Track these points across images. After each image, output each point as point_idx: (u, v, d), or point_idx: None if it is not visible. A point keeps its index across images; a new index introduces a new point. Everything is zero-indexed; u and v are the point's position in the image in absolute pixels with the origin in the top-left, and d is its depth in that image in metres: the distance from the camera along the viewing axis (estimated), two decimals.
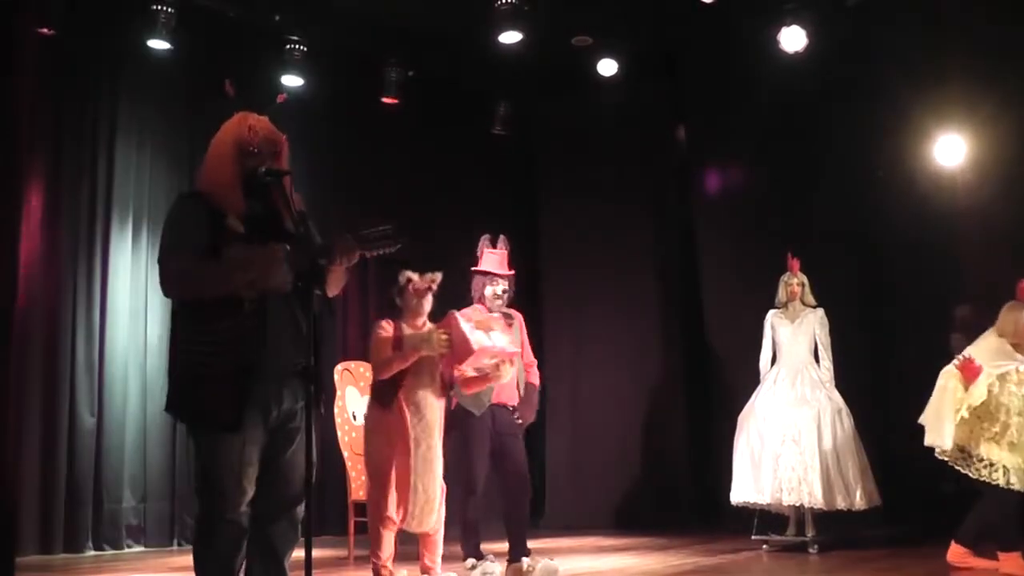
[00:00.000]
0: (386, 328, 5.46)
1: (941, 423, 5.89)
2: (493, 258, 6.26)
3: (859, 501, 7.11)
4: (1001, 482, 5.77)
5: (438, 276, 5.60)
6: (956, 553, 6.09)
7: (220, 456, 3.43)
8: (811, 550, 7.11)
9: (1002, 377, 5.85)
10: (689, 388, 9.69)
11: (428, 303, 5.57)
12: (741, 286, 8.97)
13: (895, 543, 7.10)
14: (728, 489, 7.59)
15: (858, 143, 8.50)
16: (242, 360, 3.40)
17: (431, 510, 5.42)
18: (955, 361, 5.98)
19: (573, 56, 9.47)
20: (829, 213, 8.71)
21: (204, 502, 3.50)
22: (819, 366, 7.48)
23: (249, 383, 3.42)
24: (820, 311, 7.58)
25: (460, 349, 5.29)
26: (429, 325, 5.52)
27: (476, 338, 5.29)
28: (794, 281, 7.63)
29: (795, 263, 7.67)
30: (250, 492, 3.47)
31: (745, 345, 8.02)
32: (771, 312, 7.71)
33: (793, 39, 8.28)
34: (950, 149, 7.82)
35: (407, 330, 5.47)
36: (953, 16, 7.89)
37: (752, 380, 7.73)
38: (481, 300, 6.21)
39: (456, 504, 6.02)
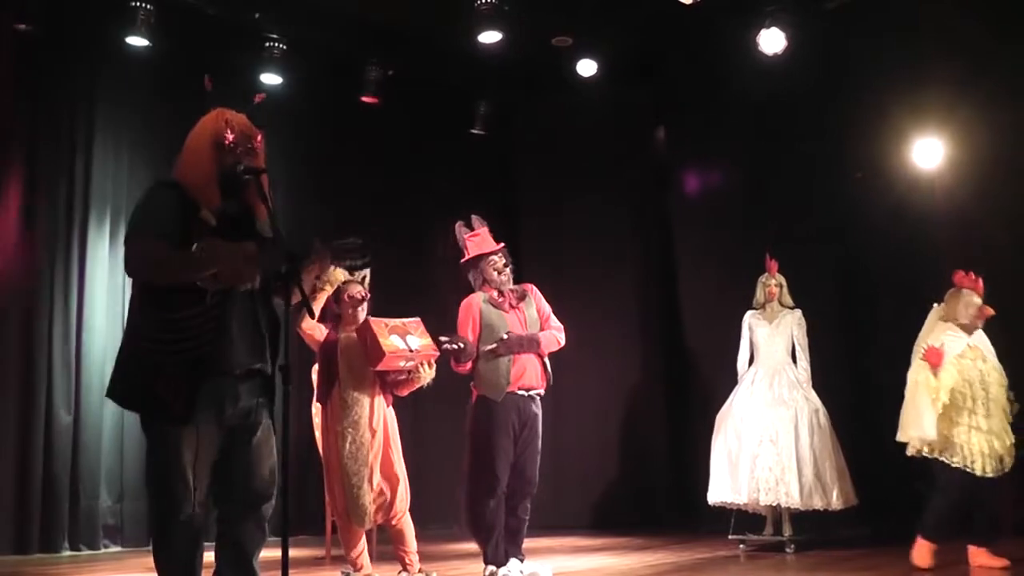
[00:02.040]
0: (319, 335, 5.80)
1: (920, 415, 6.05)
2: (477, 239, 6.05)
3: (836, 501, 7.16)
4: (978, 471, 5.95)
5: (366, 272, 5.78)
6: (976, 555, 6.09)
7: (170, 451, 3.38)
8: (788, 550, 7.14)
9: (959, 356, 6.13)
10: (667, 388, 9.72)
11: (363, 311, 5.82)
12: (719, 287, 9.00)
13: (872, 543, 7.14)
14: (706, 489, 7.61)
15: (837, 145, 8.53)
16: (199, 353, 3.36)
17: (371, 506, 5.61)
18: (917, 355, 6.22)
19: (553, 56, 9.47)
20: (807, 214, 8.74)
21: (155, 502, 3.47)
22: (796, 367, 7.52)
23: (203, 377, 3.37)
24: (798, 312, 7.62)
25: (372, 352, 5.54)
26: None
27: (390, 342, 5.49)
28: (772, 282, 7.67)
29: (773, 264, 7.71)
30: (201, 490, 3.42)
31: (723, 346, 8.04)
32: (749, 313, 7.75)
33: (772, 41, 8.29)
34: (928, 152, 7.87)
35: (342, 336, 5.77)
36: (931, 20, 7.93)
37: (730, 380, 7.76)
38: (486, 286, 5.95)
39: (461, 501, 5.93)
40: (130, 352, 3.47)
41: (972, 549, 6.10)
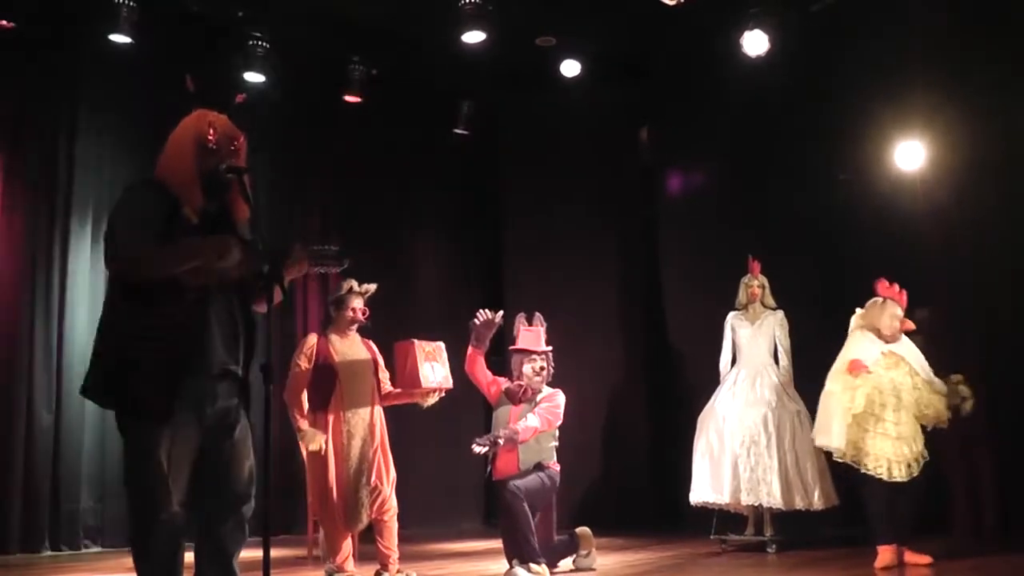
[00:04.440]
0: (304, 363, 5.79)
1: (830, 423, 6.23)
2: (529, 335, 6.38)
3: (817, 501, 7.18)
4: (885, 476, 6.08)
5: (372, 287, 6.00)
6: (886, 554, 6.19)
7: (148, 450, 3.35)
8: (769, 549, 7.17)
9: (873, 364, 6.26)
10: (650, 388, 9.73)
11: (357, 325, 5.99)
12: (702, 287, 9.01)
13: (852, 543, 7.16)
14: (688, 489, 7.63)
15: (821, 146, 8.55)
16: (178, 351, 3.35)
17: (367, 503, 5.71)
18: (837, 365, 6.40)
19: (537, 56, 9.47)
20: (791, 216, 8.76)
21: (134, 502, 3.44)
22: (778, 367, 7.54)
23: (182, 375, 3.36)
24: (780, 313, 7.65)
25: (408, 378, 5.80)
26: (358, 339, 5.97)
27: (424, 371, 5.78)
28: (755, 283, 7.70)
29: (756, 265, 7.74)
30: (180, 490, 3.40)
31: (706, 346, 8.06)
32: (731, 314, 7.77)
33: (756, 43, 8.31)
34: (911, 154, 7.90)
35: (335, 340, 5.85)
36: (915, 24, 7.98)
37: (712, 381, 7.78)
38: (520, 376, 6.29)
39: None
40: (107, 349, 3.43)
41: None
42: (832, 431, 6.19)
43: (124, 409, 3.40)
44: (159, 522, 3.37)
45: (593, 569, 6.44)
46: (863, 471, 6.13)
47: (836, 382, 6.28)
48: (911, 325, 6.42)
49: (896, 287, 6.44)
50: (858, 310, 6.54)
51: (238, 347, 3.52)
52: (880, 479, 6.07)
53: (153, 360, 3.33)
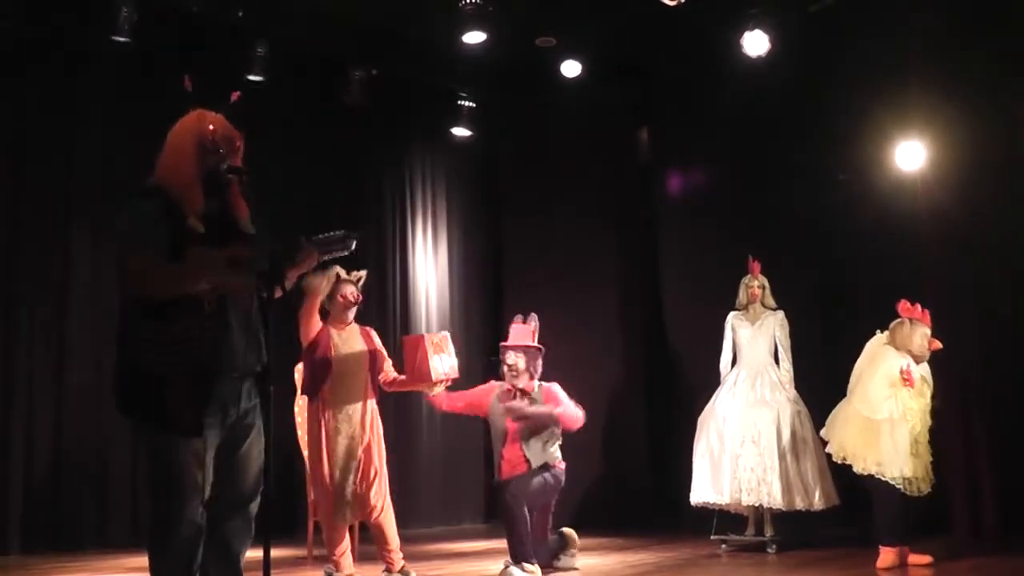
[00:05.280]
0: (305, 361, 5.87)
1: (897, 452, 6.18)
2: (515, 332, 6.42)
3: (818, 501, 7.18)
4: (911, 491, 6.17)
5: (363, 274, 6.03)
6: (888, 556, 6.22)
7: (180, 459, 3.37)
8: (769, 550, 7.16)
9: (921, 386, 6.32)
10: (650, 389, 9.72)
11: (354, 310, 5.99)
12: (702, 287, 9.02)
13: (853, 543, 7.16)
14: (688, 489, 7.63)
15: (820, 147, 8.55)
16: (202, 362, 3.37)
17: (351, 500, 5.72)
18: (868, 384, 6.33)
19: (537, 56, 9.47)
20: (791, 216, 8.77)
21: (161, 504, 3.45)
22: (779, 368, 7.53)
23: (209, 385, 3.38)
24: (780, 313, 7.64)
25: (419, 371, 5.83)
26: (357, 329, 5.98)
27: (433, 364, 5.82)
28: (755, 283, 7.69)
29: (756, 265, 7.73)
30: (207, 492, 3.44)
31: (706, 347, 8.06)
32: (732, 314, 7.77)
33: (756, 43, 8.31)
34: (911, 154, 7.90)
35: (334, 333, 5.87)
36: (915, 24, 7.98)
37: (712, 381, 7.77)
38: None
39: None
40: (131, 366, 3.43)
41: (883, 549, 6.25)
42: (906, 461, 6.15)
43: (158, 424, 3.40)
44: (184, 523, 3.40)
45: (576, 568, 6.43)
46: (891, 483, 6.15)
47: (890, 406, 6.22)
48: (939, 345, 6.42)
49: (919, 307, 6.44)
50: (878, 332, 6.52)
51: (260, 346, 3.54)
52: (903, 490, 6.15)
53: (180, 373, 3.35)
